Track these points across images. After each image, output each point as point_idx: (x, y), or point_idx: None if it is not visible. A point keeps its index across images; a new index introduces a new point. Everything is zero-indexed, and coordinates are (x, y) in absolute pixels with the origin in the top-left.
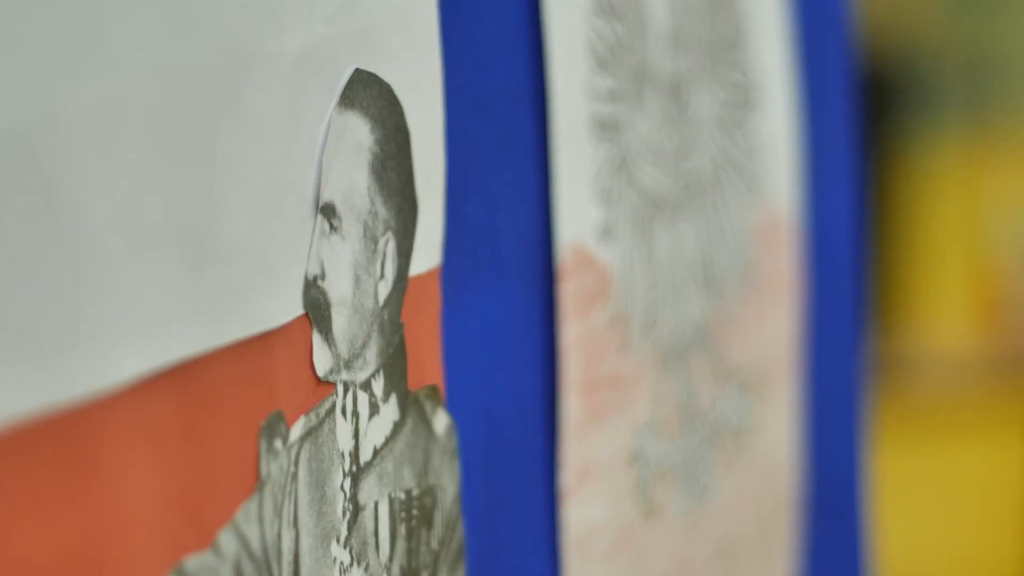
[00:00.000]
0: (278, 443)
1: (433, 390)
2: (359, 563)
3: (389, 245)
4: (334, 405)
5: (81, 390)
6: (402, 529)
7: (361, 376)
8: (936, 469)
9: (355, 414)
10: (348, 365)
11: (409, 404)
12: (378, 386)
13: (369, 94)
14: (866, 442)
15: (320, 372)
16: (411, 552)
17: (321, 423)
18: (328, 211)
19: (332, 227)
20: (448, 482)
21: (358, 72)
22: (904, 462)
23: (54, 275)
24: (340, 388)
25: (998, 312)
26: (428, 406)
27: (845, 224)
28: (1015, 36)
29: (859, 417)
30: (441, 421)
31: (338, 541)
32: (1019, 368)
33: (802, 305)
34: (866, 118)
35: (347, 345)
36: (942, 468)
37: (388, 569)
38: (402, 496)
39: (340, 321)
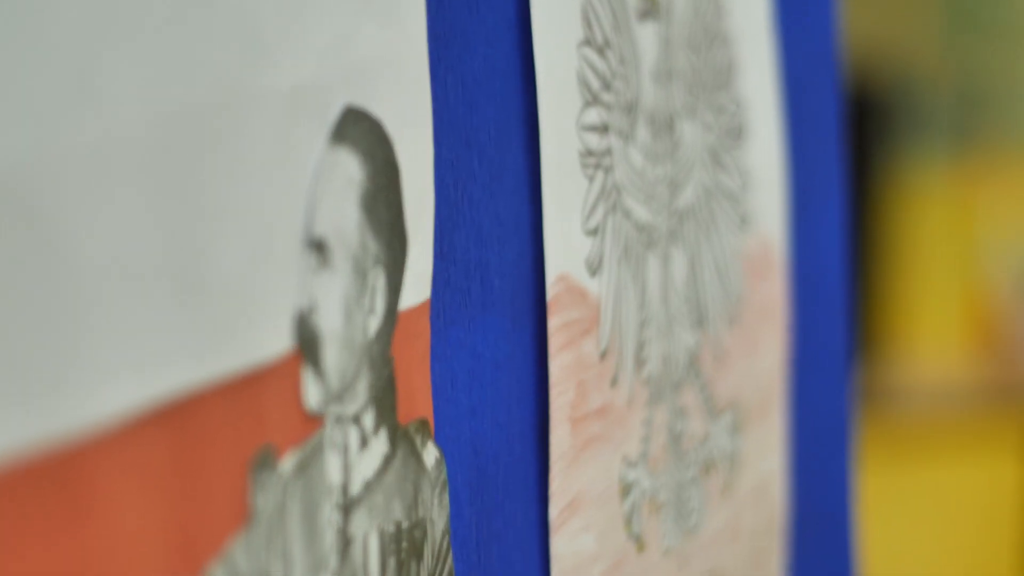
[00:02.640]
0: (268, 476)
1: (423, 423)
2: None
3: (379, 279)
4: (324, 439)
5: (72, 425)
6: (392, 562)
7: (351, 410)
8: (928, 497)
9: (345, 447)
10: (338, 399)
11: (399, 437)
12: (368, 420)
13: (359, 129)
14: (855, 471)
15: (310, 406)
16: None
17: (311, 457)
18: (319, 246)
19: (323, 262)
20: (438, 515)
21: (348, 108)
22: (896, 491)
23: (44, 311)
24: (330, 422)
25: (991, 337)
26: (418, 439)
27: (836, 252)
28: (1005, 61)
29: (849, 445)
30: (431, 454)
31: (328, 574)
32: (1013, 395)
33: (792, 333)
34: (857, 143)
35: (337, 379)
36: (933, 496)
37: None
38: (392, 529)
39: (330, 355)
